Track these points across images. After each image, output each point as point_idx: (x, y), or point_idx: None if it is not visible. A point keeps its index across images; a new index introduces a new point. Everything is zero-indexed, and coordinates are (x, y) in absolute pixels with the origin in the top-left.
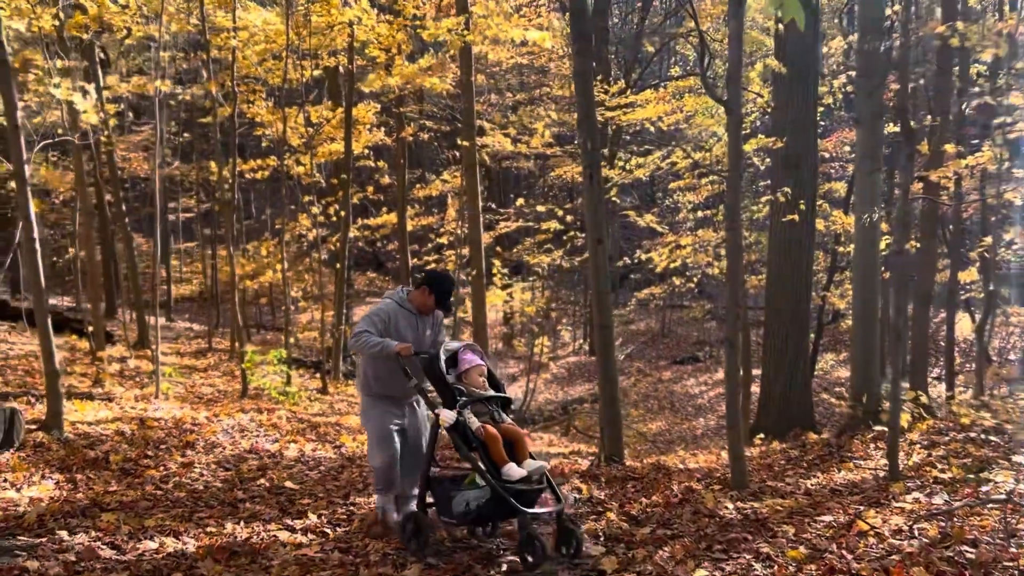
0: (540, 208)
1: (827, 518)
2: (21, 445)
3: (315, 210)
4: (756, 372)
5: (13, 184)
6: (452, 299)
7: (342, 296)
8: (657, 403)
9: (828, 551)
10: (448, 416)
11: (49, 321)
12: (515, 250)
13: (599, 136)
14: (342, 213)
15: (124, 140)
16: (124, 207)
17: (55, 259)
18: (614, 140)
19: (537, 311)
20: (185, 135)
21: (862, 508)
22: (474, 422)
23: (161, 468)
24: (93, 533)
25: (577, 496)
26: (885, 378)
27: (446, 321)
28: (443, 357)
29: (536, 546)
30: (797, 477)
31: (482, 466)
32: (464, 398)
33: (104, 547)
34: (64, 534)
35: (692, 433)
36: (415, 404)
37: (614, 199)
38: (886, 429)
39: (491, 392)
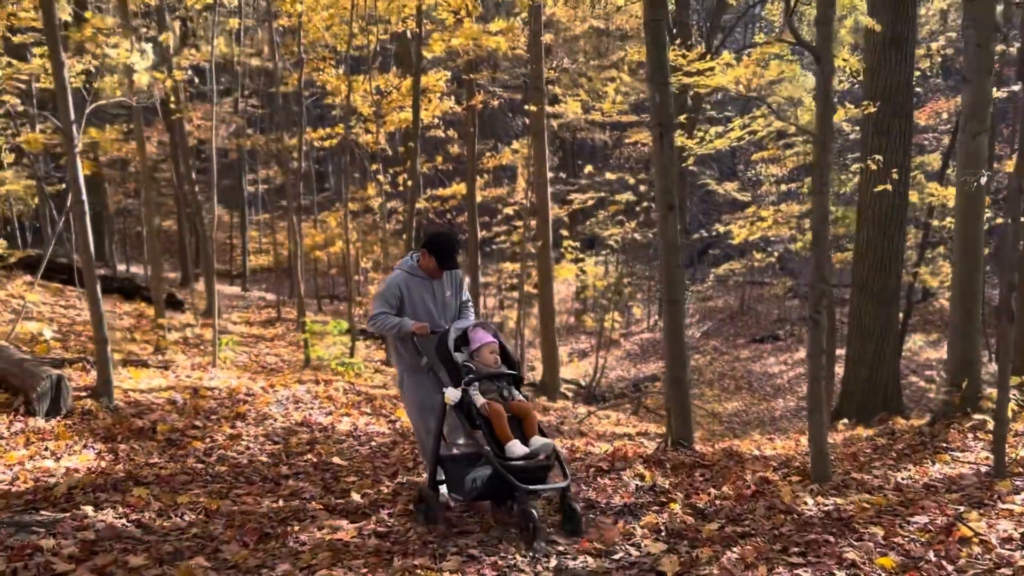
0: (610, 176)
1: (922, 519)
2: (69, 412)
3: (381, 179)
4: (840, 352)
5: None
6: (456, 257)
7: None
8: (734, 383)
9: (924, 560)
10: (452, 395)
11: (98, 287)
12: (588, 223)
13: (672, 96)
14: (409, 183)
15: (201, 109)
16: (194, 175)
17: (139, 228)
18: (694, 108)
19: (608, 286)
20: (252, 102)
21: (963, 509)
22: (479, 399)
23: (208, 440)
24: (121, 509)
25: (639, 484)
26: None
27: (513, 294)
28: (453, 335)
29: (529, 522)
30: (885, 469)
31: (484, 444)
32: (471, 375)
33: (129, 525)
34: (89, 509)
35: (770, 414)
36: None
37: (691, 168)
38: (987, 418)
39: (502, 369)
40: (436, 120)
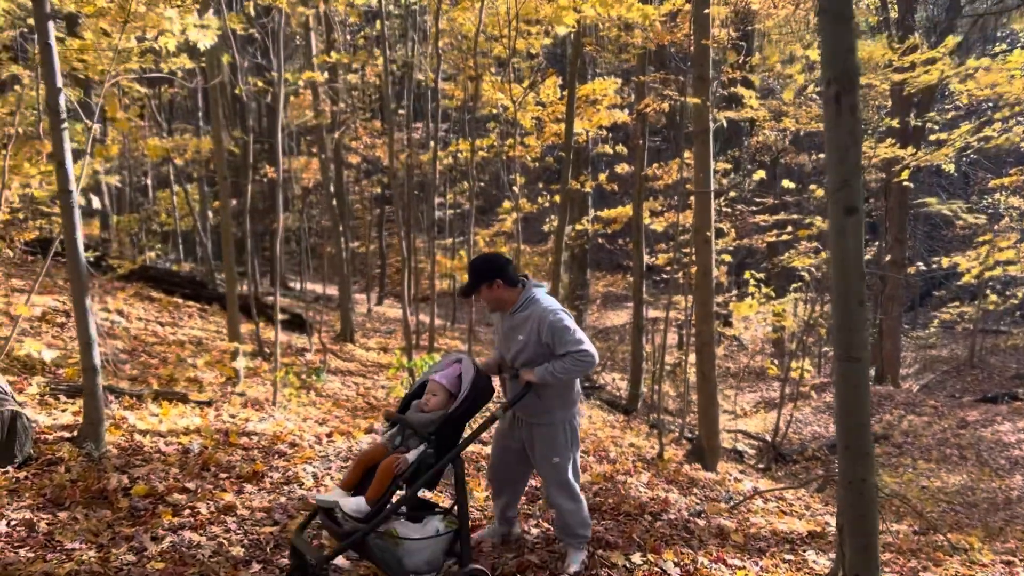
0: (787, 184)
1: None
2: (27, 460)
3: (516, 190)
4: None
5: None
6: (474, 275)
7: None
8: (957, 452)
9: None
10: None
11: (88, 300)
12: (787, 255)
13: (855, 36)
14: (555, 199)
15: (368, 126)
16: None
17: (333, 250)
18: (919, 112)
19: (799, 326)
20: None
21: None
22: None
23: (186, 512)
24: None
25: None
26: None
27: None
28: (420, 380)
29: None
30: None
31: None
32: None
33: None
34: None
35: (1004, 495)
36: (536, 422)
37: (909, 187)
38: None
39: (427, 416)
40: (604, 133)
